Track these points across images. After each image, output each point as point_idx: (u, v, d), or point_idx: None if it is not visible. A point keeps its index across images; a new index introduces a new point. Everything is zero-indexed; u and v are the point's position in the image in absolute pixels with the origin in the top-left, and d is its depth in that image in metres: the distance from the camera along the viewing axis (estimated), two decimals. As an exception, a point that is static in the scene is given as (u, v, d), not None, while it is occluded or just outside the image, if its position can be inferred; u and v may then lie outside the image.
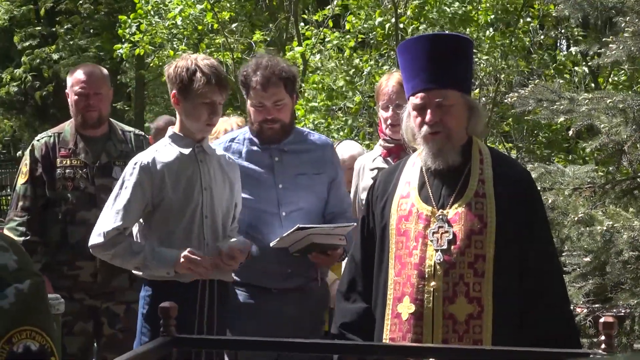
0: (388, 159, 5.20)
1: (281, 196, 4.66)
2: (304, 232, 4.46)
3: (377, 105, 5.26)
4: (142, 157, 4.49)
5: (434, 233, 3.68)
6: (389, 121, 5.10)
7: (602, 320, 3.17)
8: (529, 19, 11.87)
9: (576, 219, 5.33)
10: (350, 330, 3.89)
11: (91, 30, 17.70)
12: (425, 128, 3.73)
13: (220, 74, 4.48)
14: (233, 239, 4.48)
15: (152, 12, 12.67)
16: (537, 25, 11.91)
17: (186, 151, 4.48)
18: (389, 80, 5.14)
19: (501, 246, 3.64)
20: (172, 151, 4.49)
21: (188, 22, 12.53)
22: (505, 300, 3.62)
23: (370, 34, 11.93)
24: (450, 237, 3.66)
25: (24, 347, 1.86)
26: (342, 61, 11.62)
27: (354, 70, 11.45)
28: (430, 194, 3.76)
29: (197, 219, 4.45)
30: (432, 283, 3.64)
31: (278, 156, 4.73)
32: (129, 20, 12.80)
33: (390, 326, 3.74)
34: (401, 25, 11.26)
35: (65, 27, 18.05)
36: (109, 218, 4.40)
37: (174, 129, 4.57)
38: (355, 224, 4.47)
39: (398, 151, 5.09)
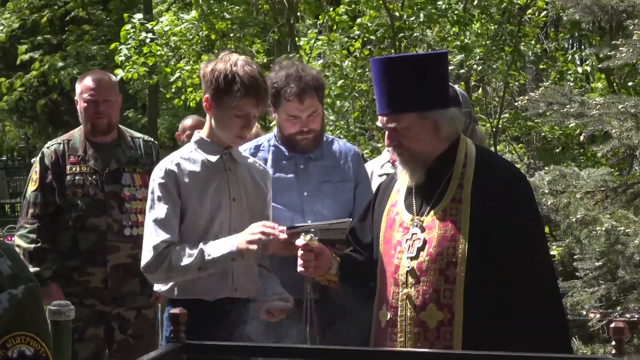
0: (396, 164, 5.17)
1: (306, 204, 4.62)
2: (306, 228, 4.43)
3: None
4: (167, 164, 4.20)
5: (407, 240, 3.68)
6: None
7: (612, 325, 3.14)
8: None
9: (581, 220, 5.31)
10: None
11: (103, 37, 17.73)
12: (390, 149, 3.80)
13: (260, 86, 4.13)
14: (274, 297, 4.22)
15: (141, 37, 12.45)
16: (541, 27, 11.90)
17: (213, 159, 4.20)
18: None
19: (474, 252, 3.57)
20: (198, 158, 4.20)
21: (182, 37, 12.39)
22: (477, 305, 3.56)
23: (366, 35, 11.93)
24: (420, 244, 3.64)
25: (19, 352, 1.87)
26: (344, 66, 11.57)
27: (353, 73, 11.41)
28: (414, 202, 3.75)
29: (225, 232, 4.13)
30: (405, 290, 3.64)
31: (303, 164, 4.68)
32: (120, 46, 12.56)
33: (375, 333, 3.77)
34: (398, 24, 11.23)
35: (76, 34, 18.10)
36: (151, 233, 4.11)
37: (201, 133, 4.29)
38: (350, 219, 4.43)
39: None
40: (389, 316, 3.68)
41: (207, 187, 4.15)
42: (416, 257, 3.64)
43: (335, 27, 11.99)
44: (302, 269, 3.85)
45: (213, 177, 4.17)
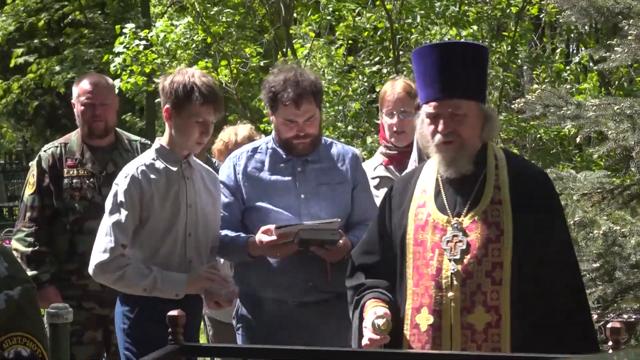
0: (390, 167, 5.12)
1: (303, 206, 4.63)
2: (295, 228, 4.45)
3: (381, 111, 5.20)
4: (131, 170, 4.46)
5: (447, 242, 3.65)
6: (394, 128, 5.04)
7: (609, 325, 3.16)
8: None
9: (579, 222, 5.32)
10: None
11: (100, 41, 17.70)
12: (438, 137, 3.69)
13: (216, 94, 4.47)
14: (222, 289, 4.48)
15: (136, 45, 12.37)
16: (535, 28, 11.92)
17: (174, 168, 4.47)
18: (394, 87, 5.10)
19: (519, 252, 3.60)
20: (160, 167, 4.47)
21: (177, 42, 12.34)
22: (523, 306, 3.58)
23: (361, 38, 11.92)
24: (464, 246, 3.62)
25: (15, 352, 1.87)
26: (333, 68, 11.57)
27: (345, 74, 11.40)
28: (446, 202, 3.72)
29: (181, 236, 4.46)
30: (450, 294, 3.61)
31: (301, 167, 4.69)
32: (113, 57, 12.51)
33: (410, 337, 3.71)
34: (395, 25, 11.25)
35: (74, 37, 18.07)
36: (108, 234, 4.39)
37: (161, 141, 4.55)
38: (339, 219, 4.48)
39: (401, 159, 5.02)
40: (432, 320, 3.65)
41: (167, 195, 4.44)
42: (461, 260, 3.62)
43: (322, 31, 12.02)
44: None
45: (173, 185, 4.46)
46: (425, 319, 3.67)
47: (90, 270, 4.46)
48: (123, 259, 4.37)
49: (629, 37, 5.09)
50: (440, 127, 3.68)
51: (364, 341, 3.70)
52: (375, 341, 3.66)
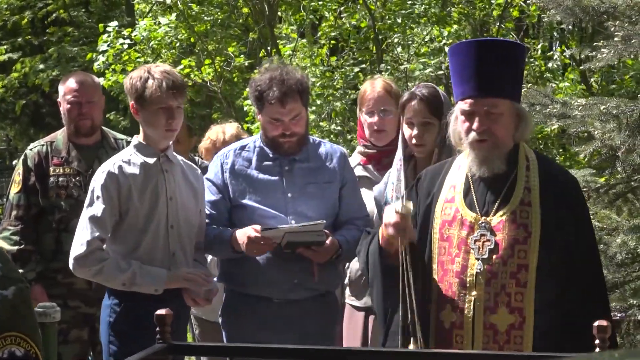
0: (369, 166, 5.07)
1: (290, 205, 4.63)
2: (280, 232, 4.45)
3: (361, 110, 5.15)
4: (109, 166, 4.53)
5: (475, 241, 3.64)
6: (374, 127, 4.99)
7: (596, 324, 3.16)
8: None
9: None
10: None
11: (85, 39, 17.63)
12: (472, 134, 3.67)
13: (173, 79, 4.52)
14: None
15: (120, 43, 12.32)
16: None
17: (151, 161, 4.53)
18: (374, 86, 5.05)
19: (545, 256, 3.60)
20: (137, 161, 4.53)
21: (161, 41, 12.30)
22: (547, 310, 3.58)
23: (343, 38, 11.91)
24: (492, 246, 3.62)
25: (9, 352, 1.87)
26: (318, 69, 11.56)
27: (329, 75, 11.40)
28: (475, 200, 3.71)
29: (163, 229, 4.51)
30: (474, 292, 3.62)
31: (288, 165, 4.69)
32: (96, 56, 12.46)
33: (435, 334, 3.71)
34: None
35: (58, 35, 17.99)
36: (87, 228, 4.45)
37: (139, 138, 4.62)
38: (324, 221, 4.49)
39: (380, 158, 4.99)
40: (455, 317, 3.65)
41: (145, 188, 4.50)
42: (488, 259, 3.61)
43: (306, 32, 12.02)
44: (394, 234, 3.67)
45: (151, 178, 4.51)
46: (449, 316, 3.66)
47: (70, 264, 4.52)
48: (101, 252, 4.44)
49: (616, 39, 5.10)
50: (475, 125, 3.66)
51: (384, 220, 3.67)
52: (395, 224, 3.62)
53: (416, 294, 3.64)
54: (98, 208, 4.44)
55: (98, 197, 4.46)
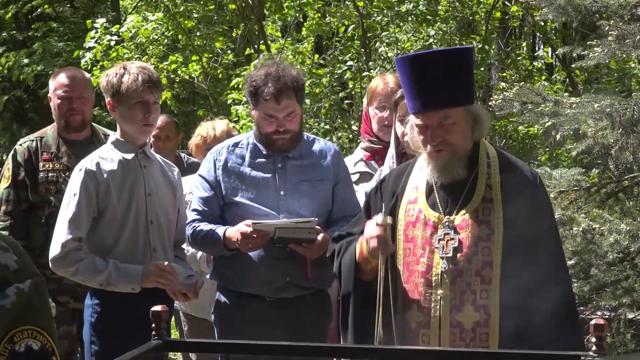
0: (372, 162, 5.10)
1: (282, 202, 4.62)
2: (271, 226, 4.43)
3: (370, 105, 5.16)
4: (87, 163, 4.54)
5: (439, 240, 3.64)
6: (385, 122, 5.01)
7: (593, 322, 3.15)
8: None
9: (558, 220, 5.34)
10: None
11: (70, 34, 17.56)
12: (429, 147, 3.66)
13: (148, 74, 4.56)
14: (185, 280, 4.58)
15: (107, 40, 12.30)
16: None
17: (129, 157, 4.56)
18: (387, 81, 5.07)
19: (508, 252, 3.59)
20: (115, 157, 4.55)
21: (148, 38, 12.26)
22: (512, 306, 3.56)
23: (328, 35, 11.92)
24: (456, 244, 3.62)
25: (26, 346, 1.86)
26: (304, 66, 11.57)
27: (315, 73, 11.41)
28: (438, 200, 3.71)
29: (142, 225, 4.54)
30: (439, 291, 3.61)
31: (281, 163, 4.67)
32: (83, 53, 12.42)
33: (402, 334, 3.69)
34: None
35: (43, 30, 17.91)
36: (63, 229, 4.47)
37: (116, 134, 4.66)
38: (316, 219, 4.47)
39: (385, 153, 5.01)
40: (421, 317, 3.64)
41: (124, 184, 4.52)
42: (453, 258, 3.61)
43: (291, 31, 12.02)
44: (376, 247, 3.66)
45: (129, 174, 4.54)
46: (415, 317, 3.66)
47: (50, 264, 4.54)
48: (77, 253, 4.45)
49: (610, 38, 5.11)
50: (429, 138, 3.65)
51: (366, 234, 3.67)
52: (378, 237, 3.62)
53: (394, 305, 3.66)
54: (75, 207, 4.46)
55: (75, 195, 4.48)
